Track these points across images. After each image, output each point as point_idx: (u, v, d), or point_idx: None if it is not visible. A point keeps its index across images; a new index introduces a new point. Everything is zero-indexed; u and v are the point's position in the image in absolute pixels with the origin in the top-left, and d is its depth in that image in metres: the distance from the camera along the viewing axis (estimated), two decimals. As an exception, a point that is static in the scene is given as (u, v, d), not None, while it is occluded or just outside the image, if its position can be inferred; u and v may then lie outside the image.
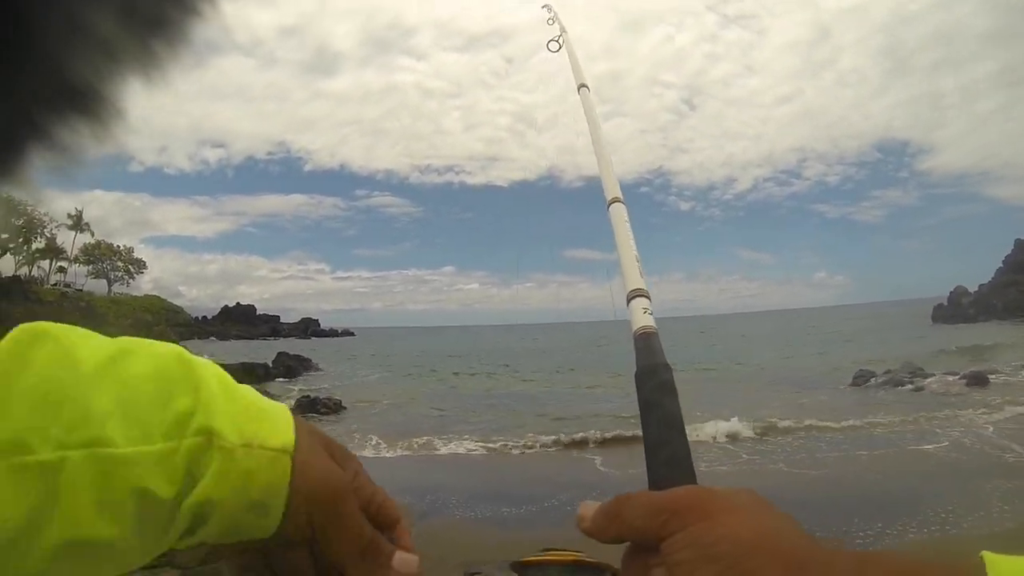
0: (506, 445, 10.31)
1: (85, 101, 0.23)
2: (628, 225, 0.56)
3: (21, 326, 0.32)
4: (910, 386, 13.85)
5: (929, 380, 13.85)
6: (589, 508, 0.40)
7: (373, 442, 10.98)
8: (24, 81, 0.21)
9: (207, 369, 0.36)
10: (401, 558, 0.39)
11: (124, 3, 0.23)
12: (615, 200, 0.59)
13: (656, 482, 0.42)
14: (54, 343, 0.32)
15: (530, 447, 10.09)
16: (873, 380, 14.98)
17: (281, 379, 22.46)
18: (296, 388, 19.57)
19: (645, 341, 0.46)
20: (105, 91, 0.24)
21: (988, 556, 0.28)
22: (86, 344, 0.33)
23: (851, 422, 10.11)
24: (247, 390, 0.38)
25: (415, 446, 10.65)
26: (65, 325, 0.33)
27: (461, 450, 10.16)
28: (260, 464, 0.34)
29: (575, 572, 0.45)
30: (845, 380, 15.66)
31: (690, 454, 0.42)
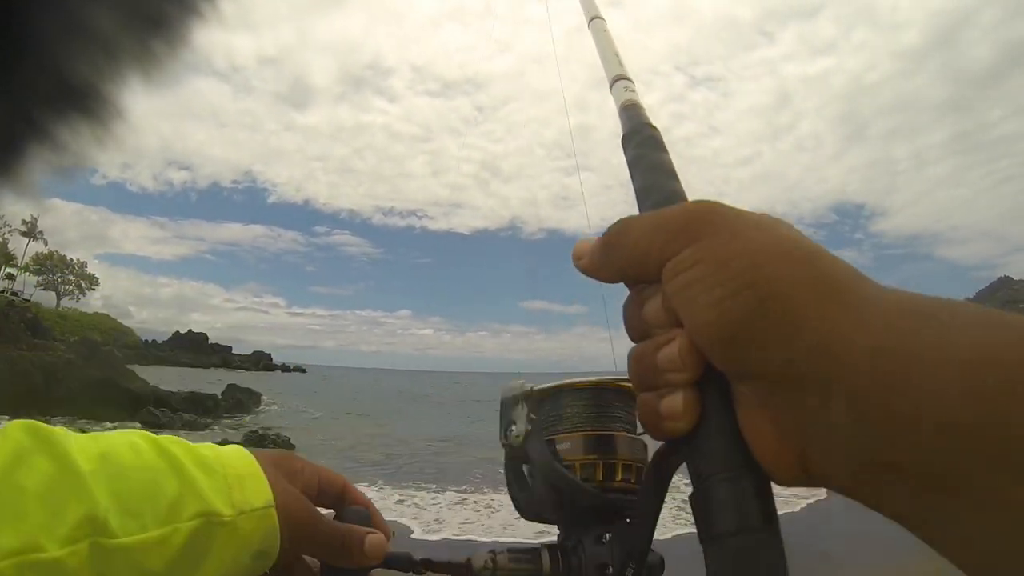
0: (466, 498, 10.16)
1: (85, 100, 0.23)
2: (608, 32, 0.53)
3: (13, 427, 0.35)
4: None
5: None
6: (586, 243, 0.34)
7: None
8: (23, 80, 0.21)
9: (176, 447, 0.40)
10: (370, 543, 0.43)
11: (124, 2, 0.22)
12: (595, 18, 0.55)
13: None
14: (51, 446, 0.35)
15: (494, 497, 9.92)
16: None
17: (230, 414, 21.42)
18: (247, 419, 18.86)
19: (628, 111, 0.44)
20: (105, 90, 0.23)
21: None
22: (75, 443, 0.37)
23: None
24: (212, 453, 0.42)
25: (376, 492, 10.30)
26: (54, 428, 0.37)
27: (417, 498, 10.03)
28: (254, 525, 0.40)
29: (599, 394, 0.41)
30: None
31: (685, 196, 0.36)
